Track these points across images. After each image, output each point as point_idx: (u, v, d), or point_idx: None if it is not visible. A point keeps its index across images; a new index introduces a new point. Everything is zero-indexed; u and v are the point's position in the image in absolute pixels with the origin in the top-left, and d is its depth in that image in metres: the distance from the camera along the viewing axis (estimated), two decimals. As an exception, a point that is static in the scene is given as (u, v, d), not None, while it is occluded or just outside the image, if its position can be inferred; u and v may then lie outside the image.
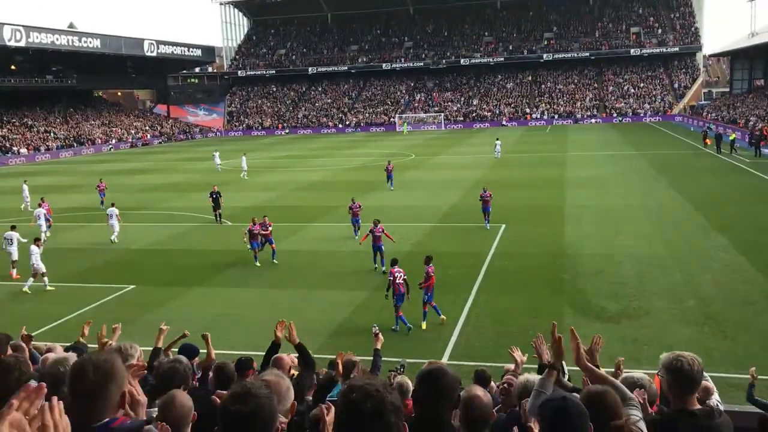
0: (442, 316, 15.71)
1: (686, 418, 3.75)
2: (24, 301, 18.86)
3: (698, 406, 3.87)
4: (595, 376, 4.09)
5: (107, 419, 2.77)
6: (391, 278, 15.41)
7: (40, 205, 27.36)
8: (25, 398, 2.03)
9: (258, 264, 21.52)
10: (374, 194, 34.60)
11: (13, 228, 21.82)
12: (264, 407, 2.64)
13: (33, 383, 2.20)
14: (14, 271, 21.11)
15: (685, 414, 3.77)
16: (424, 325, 15.51)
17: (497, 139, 52.72)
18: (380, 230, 20.19)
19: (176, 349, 8.08)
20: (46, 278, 19.62)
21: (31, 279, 19.58)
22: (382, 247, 20.14)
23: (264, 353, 7.19)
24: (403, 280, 15.41)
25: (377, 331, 7.84)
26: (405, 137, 75.47)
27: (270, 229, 22.22)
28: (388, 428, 2.26)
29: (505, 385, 6.05)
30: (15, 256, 21.08)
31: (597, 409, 3.23)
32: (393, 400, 2.31)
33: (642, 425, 3.46)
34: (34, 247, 19.70)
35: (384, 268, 17.95)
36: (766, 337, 14.09)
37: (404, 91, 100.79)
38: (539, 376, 5.41)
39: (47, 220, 26.55)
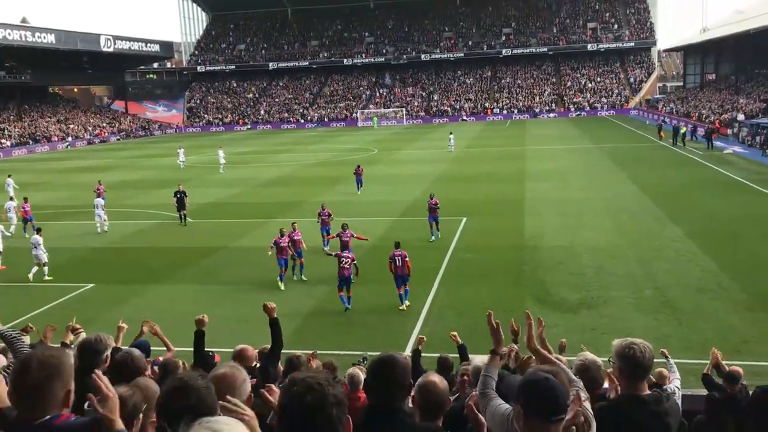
0: (405, 303, 16.29)
1: (635, 403, 3.86)
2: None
3: (647, 392, 3.97)
4: (543, 358, 4.23)
5: (49, 416, 2.70)
6: (341, 261, 16.32)
7: (11, 199, 27.24)
8: None
9: (282, 287, 18.48)
10: (338, 188, 34.61)
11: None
12: (205, 398, 2.65)
13: None
14: None
15: (634, 399, 3.87)
16: (403, 306, 16.27)
17: (450, 133, 54.07)
18: (348, 236, 18.99)
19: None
20: (46, 268, 20.11)
21: (35, 268, 20.13)
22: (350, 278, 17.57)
23: (223, 350, 7.13)
24: (352, 265, 16.35)
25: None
26: (368, 132, 75.47)
27: (298, 238, 19.33)
28: (330, 421, 2.27)
29: (463, 376, 6.20)
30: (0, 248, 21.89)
31: None
32: (335, 393, 2.33)
33: (587, 405, 3.58)
34: (37, 237, 20.31)
35: (357, 277, 17.23)
36: (718, 323, 14.56)
37: (366, 87, 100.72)
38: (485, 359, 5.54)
39: (29, 220, 26.00)
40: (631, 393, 3.90)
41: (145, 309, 16.77)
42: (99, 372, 3.04)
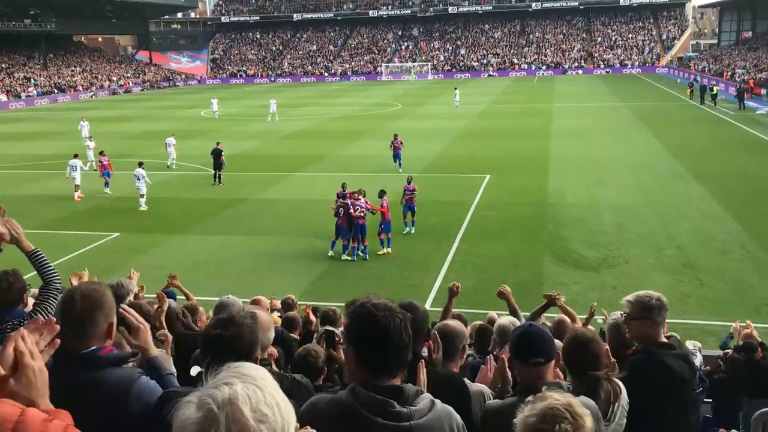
0: (386, 249, 17.10)
1: (664, 349, 3.98)
2: (5, 247, 18.78)
3: (667, 339, 4.09)
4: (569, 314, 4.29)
5: (94, 347, 2.83)
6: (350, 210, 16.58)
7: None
8: (35, 329, 2.08)
9: (347, 257, 16.94)
10: (359, 143, 34.48)
11: (75, 156, 24.74)
12: (244, 335, 2.73)
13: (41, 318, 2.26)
14: (76, 194, 23.99)
15: (661, 345, 3.99)
16: (382, 251, 17.01)
17: (455, 88, 53.66)
18: (363, 205, 16.86)
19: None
20: (143, 200, 22.12)
21: (141, 199, 22.17)
22: (365, 226, 16.91)
23: (245, 300, 7.21)
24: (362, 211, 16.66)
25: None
26: (391, 86, 74.69)
27: (360, 209, 16.75)
28: (408, 340, 2.45)
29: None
30: (78, 181, 24.04)
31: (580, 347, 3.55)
32: (409, 316, 2.51)
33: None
34: (139, 170, 22.20)
35: (367, 256, 16.83)
36: (740, 284, 14.45)
37: (391, 40, 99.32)
38: (513, 319, 5.64)
39: (108, 175, 24.99)
40: (657, 340, 4.00)
41: (167, 258, 17.08)
42: (125, 306, 3.21)
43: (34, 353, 1.95)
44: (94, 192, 25.06)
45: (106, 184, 24.84)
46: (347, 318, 2.57)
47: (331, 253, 16.99)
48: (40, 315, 4.29)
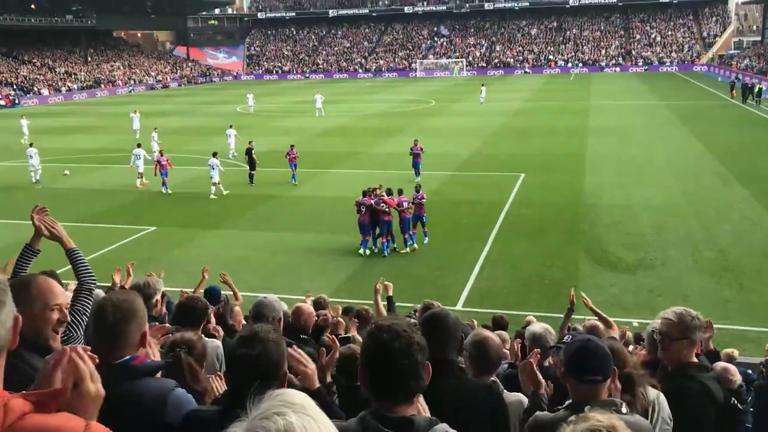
0: (409, 248, 17.12)
1: (696, 370, 3.86)
2: (45, 241, 19.20)
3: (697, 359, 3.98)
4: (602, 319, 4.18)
5: (128, 356, 2.84)
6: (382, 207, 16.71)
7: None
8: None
9: (362, 252, 17.00)
10: (391, 140, 34.38)
11: (139, 146, 26.25)
12: (271, 353, 2.68)
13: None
14: (139, 182, 25.39)
15: (694, 366, 3.88)
16: (404, 250, 17.11)
17: (482, 85, 53.35)
18: (387, 204, 16.84)
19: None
20: (220, 186, 23.37)
21: (213, 188, 23.22)
22: (391, 223, 16.97)
23: (279, 295, 7.19)
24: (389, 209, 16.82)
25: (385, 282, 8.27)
26: (426, 83, 74.46)
27: (387, 205, 16.82)
28: (415, 366, 2.33)
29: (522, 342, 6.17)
30: (141, 169, 25.43)
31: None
32: (419, 340, 2.38)
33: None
34: (213, 160, 23.09)
35: (386, 252, 16.95)
36: (783, 290, 14.05)
37: (426, 36, 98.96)
38: (545, 326, 5.55)
39: (165, 174, 24.58)
40: (690, 362, 3.89)
41: (202, 253, 17.27)
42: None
43: (94, 375, 1.95)
44: (129, 186, 25.47)
45: (164, 183, 24.56)
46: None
47: (361, 251, 17.02)
48: (75, 316, 4.33)
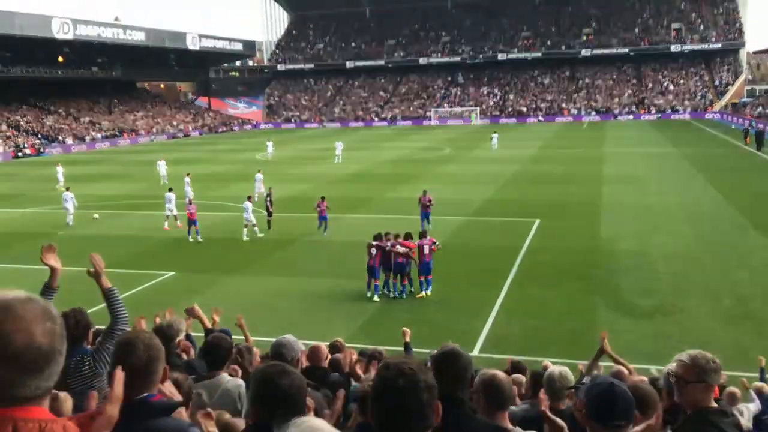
0: (425, 293, 17.22)
1: (715, 416, 3.73)
2: (69, 283, 19.48)
3: (716, 403, 3.89)
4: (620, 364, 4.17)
5: (147, 394, 2.90)
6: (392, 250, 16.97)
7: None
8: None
9: (372, 297, 17.26)
10: (407, 186, 34.69)
11: (170, 190, 27.30)
12: (302, 385, 2.83)
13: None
14: (167, 224, 26.34)
15: (712, 412, 3.75)
16: (420, 294, 17.20)
17: (494, 132, 54.71)
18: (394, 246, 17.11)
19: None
20: (256, 228, 24.31)
21: (245, 230, 24.12)
22: (406, 268, 17.23)
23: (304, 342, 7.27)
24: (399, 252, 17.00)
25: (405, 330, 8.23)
26: (441, 130, 75.25)
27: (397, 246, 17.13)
28: (420, 404, 2.31)
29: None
30: (175, 212, 26.41)
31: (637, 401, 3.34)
32: (427, 378, 2.36)
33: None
34: (247, 203, 24.02)
35: (404, 295, 17.34)
36: (803, 337, 13.90)
37: (440, 85, 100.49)
38: (563, 368, 5.58)
39: (193, 223, 24.49)
40: (709, 406, 3.77)
41: (220, 298, 17.41)
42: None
43: (116, 399, 2.07)
44: (151, 230, 25.85)
45: (197, 231, 24.39)
46: None
47: (368, 294, 17.27)
48: (103, 354, 4.46)
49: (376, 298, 17.18)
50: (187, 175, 32.51)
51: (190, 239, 24.48)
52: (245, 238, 24.03)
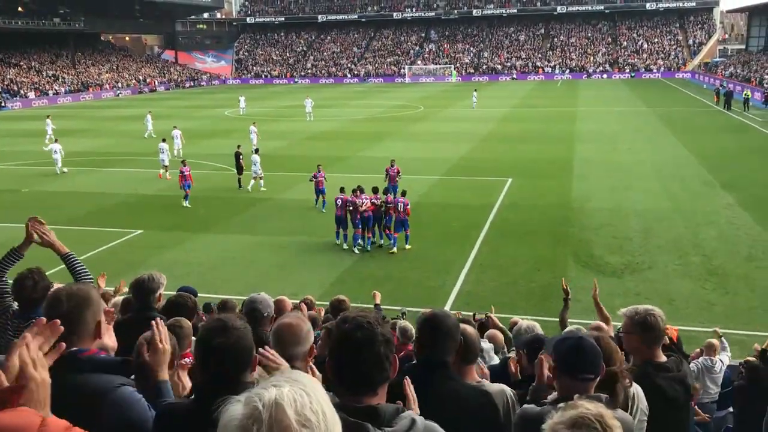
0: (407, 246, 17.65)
1: (657, 370, 3.93)
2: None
3: (665, 358, 4.02)
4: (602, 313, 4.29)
5: (75, 348, 2.70)
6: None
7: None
8: (38, 333, 2.01)
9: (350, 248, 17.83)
10: (381, 144, 34.47)
11: (164, 140, 28.08)
12: (246, 338, 2.68)
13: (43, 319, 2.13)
14: (162, 172, 26.82)
15: (656, 366, 3.94)
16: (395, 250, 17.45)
17: (475, 90, 54.73)
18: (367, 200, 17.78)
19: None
20: (262, 181, 24.61)
21: (253, 181, 24.57)
22: (370, 222, 17.91)
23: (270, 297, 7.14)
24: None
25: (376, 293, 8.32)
26: (415, 88, 74.60)
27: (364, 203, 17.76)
28: (377, 357, 2.33)
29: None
30: (166, 162, 26.98)
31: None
32: (383, 332, 2.38)
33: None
34: (255, 156, 24.51)
35: (369, 247, 17.84)
36: (766, 292, 14.20)
37: (414, 42, 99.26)
38: (530, 323, 5.67)
39: (188, 186, 22.89)
40: (653, 360, 3.96)
41: (192, 255, 17.21)
42: (161, 322, 3.04)
43: (37, 362, 1.88)
44: (119, 187, 25.34)
45: (186, 196, 22.83)
46: None
47: (338, 242, 17.98)
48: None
49: (356, 250, 17.50)
50: (175, 127, 32.44)
51: (185, 204, 22.83)
52: (262, 189, 24.52)
